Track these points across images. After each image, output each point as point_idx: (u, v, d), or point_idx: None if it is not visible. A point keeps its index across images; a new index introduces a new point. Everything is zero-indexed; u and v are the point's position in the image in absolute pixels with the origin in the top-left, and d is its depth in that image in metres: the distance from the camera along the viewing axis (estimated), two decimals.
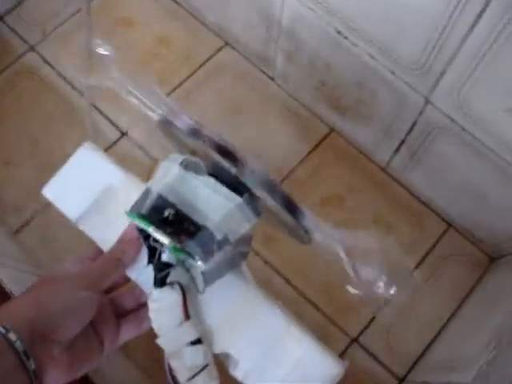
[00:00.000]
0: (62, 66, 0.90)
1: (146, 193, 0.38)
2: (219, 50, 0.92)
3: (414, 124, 0.69)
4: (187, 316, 0.40)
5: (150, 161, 0.84)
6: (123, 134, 0.86)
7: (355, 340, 0.75)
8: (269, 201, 0.38)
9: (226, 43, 0.92)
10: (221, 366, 0.42)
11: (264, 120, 0.87)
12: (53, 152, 0.85)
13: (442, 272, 0.78)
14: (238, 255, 0.42)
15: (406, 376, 0.73)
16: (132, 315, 0.44)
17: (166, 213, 0.37)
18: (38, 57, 0.91)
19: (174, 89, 0.89)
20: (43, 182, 0.48)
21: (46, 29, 0.93)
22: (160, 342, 0.40)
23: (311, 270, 0.77)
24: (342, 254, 0.39)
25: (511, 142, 0.57)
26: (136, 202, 0.39)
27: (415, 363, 0.73)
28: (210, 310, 0.42)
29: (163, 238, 0.36)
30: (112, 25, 0.93)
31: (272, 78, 0.89)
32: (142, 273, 0.44)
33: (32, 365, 0.35)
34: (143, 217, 0.37)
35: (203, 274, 0.38)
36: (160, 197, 0.37)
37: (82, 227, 0.46)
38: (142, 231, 0.40)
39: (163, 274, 0.40)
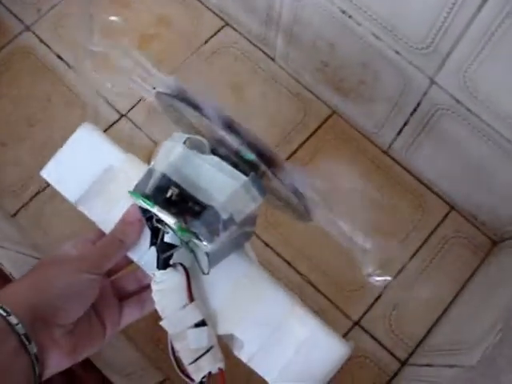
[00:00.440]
0: (59, 46, 0.89)
1: (150, 172, 0.37)
2: (219, 30, 0.90)
3: (417, 105, 0.68)
4: (191, 298, 0.39)
5: (150, 142, 0.83)
6: (122, 115, 0.85)
7: (357, 323, 0.75)
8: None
9: (227, 23, 0.90)
10: (225, 348, 0.41)
11: (264, 102, 0.86)
12: (51, 133, 0.84)
13: (444, 254, 0.78)
14: (242, 235, 0.42)
15: (408, 359, 0.73)
16: (134, 298, 0.44)
17: (170, 192, 0.36)
18: (34, 36, 0.90)
19: (174, 69, 0.87)
20: (41, 164, 0.46)
21: (42, 8, 0.92)
22: (164, 323, 0.40)
23: (313, 253, 0.77)
24: (344, 228, 0.38)
25: None
26: (139, 182, 0.38)
27: (418, 346, 0.73)
28: (214, 291, 0.42)
29: (168, 218, 0.35)
30: (107, 3, 0.91)
31: (273, 59, 0.88)
32: (144, 254, 0.43)
33: (33, 348, 0.34)
34: (147, 197, 0.36)
35: (208, 254, 0.38)
36: (164, 176, 0.36)
37: (82, 209, 0.45)
38: (144, 212, 0.39)
39: (166, 255, 0.39)
